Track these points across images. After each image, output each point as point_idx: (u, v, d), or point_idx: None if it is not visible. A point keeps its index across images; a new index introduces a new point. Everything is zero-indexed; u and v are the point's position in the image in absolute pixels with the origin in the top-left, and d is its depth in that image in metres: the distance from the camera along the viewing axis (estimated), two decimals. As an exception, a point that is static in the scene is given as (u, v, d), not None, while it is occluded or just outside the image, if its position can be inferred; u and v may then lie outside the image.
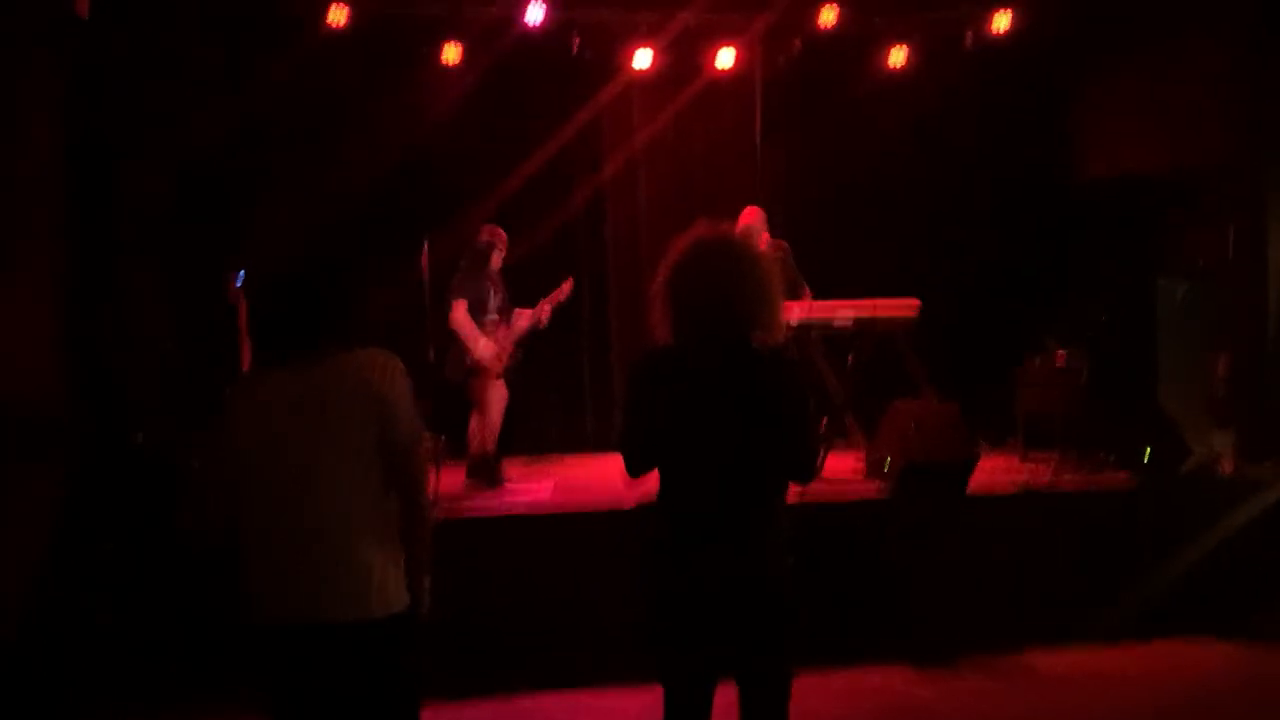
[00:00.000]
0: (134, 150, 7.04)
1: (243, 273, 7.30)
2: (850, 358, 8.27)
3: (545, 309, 8.12)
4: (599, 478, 8.12)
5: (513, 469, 8.22)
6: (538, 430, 9.61)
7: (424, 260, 7.60)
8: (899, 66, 10.15)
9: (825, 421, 8.17)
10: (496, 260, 7.93)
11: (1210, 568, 6.72)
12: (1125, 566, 6.73)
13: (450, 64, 9.47)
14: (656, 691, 3.34)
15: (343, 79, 9.15)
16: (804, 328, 7.89)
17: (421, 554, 3.27)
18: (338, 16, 8.83)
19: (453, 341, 7.74)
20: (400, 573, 3.17)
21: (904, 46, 10.05)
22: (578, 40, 9.55)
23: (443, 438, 8.07)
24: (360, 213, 9.08)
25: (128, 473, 6.26)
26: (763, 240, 7.99)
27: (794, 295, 7.89)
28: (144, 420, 6.76)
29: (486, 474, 7.79)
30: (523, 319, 8.04)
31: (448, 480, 7.55)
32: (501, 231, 7.98)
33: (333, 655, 3.06)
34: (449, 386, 7.86)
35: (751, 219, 8.05)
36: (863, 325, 8.03)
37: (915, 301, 8.10)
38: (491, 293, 7.86)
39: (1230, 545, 6.79)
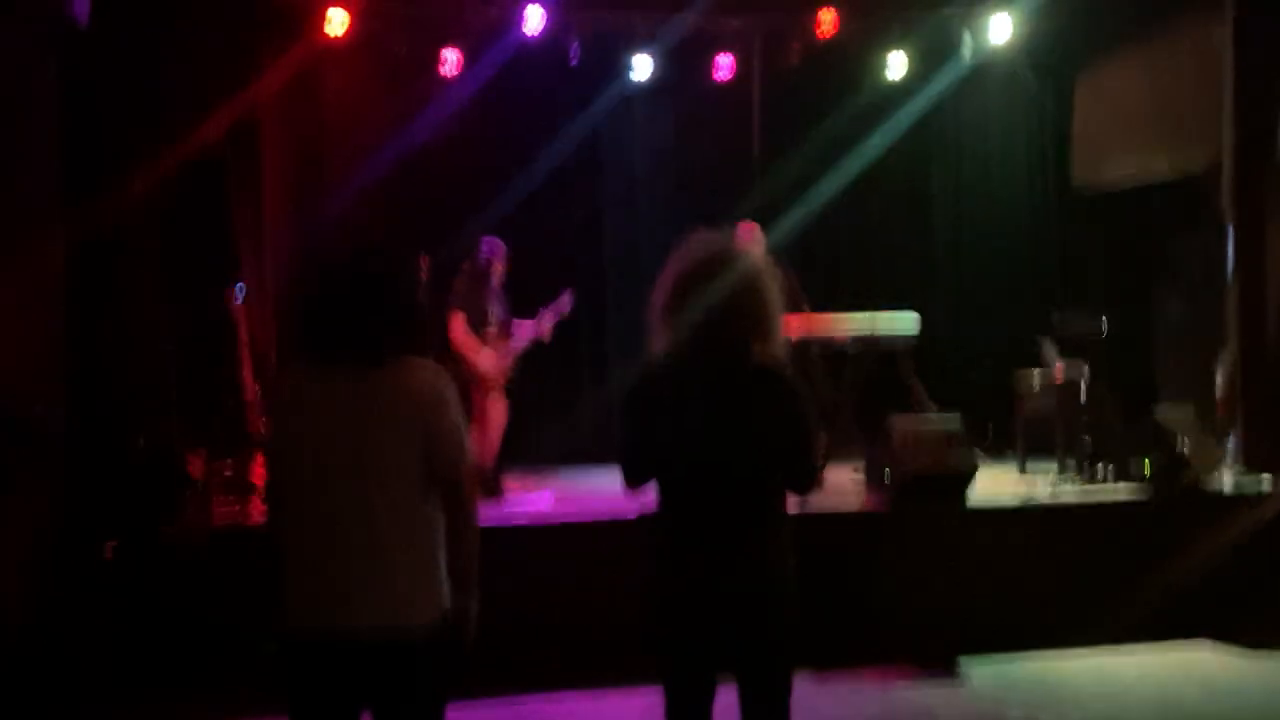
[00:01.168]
0: (134, 150, 7.03)
1: (240, 286, 7.32)
2: (849, 369, 8.26)
3: (546, 321, 8.12)
4: (599, 489, 8.11)
5: (512, 481, 8.20)
6: (537, 442, 9.59)
7: (423, 269, 7.58)
8: (898, 72, 10.17)
9: (824, 433, 8.16)
10: (497, 273, 7.92)
11: (1209, 576, 6.71)
12: (1125, 574, 6.72)
13: (449, 70, 9.48)
14: (657, 694, 3.32)
15: (342, 82, 9.16)
16: (804, 343, 7.89)
17: (469, 573, 3.23)
18: (338, 20, 8.84)
19: (451, 352, 7.72)
20: (438, 587, 3.13)
21: (902, 52, 10.07)
22: (577, 47, 9.56)
23: None
24: (359, 217, 9.10)
25: (127, 474, 6.26)
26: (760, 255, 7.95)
27: (793, 309, 7.88)
28: (144, 421, 6.75)
29: (486, 486, 7.76)
30: (523, 330, 8.04)
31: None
32: (501, 244, 7.97)
33: (359, 665, 3.03)
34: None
35: (748, 234, 8.03)
36: (862, 344, 8.02)
37: (914, 325, 8.10)
38: (491, 306, 7.85)
39: (1229, 554, 6.79)
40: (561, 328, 8.49)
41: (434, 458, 3.09)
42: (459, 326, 7.67)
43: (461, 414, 3.19)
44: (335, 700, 3.06)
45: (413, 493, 3.08)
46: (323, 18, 8.80)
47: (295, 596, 3.08)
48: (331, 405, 3.06)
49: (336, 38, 8.89)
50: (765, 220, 8.62)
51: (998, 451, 9.06)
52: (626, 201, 10.25)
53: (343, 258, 3.19)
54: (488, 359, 7.69)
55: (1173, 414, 7.42)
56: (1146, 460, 7.21)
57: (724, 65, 10.03)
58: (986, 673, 6.31)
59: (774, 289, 3.35)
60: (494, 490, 7.74)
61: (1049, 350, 8.40)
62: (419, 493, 3.09)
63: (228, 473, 6.87)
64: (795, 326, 7.79)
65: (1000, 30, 9.76)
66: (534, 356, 8.30)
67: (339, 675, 3.04)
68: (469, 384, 7.74)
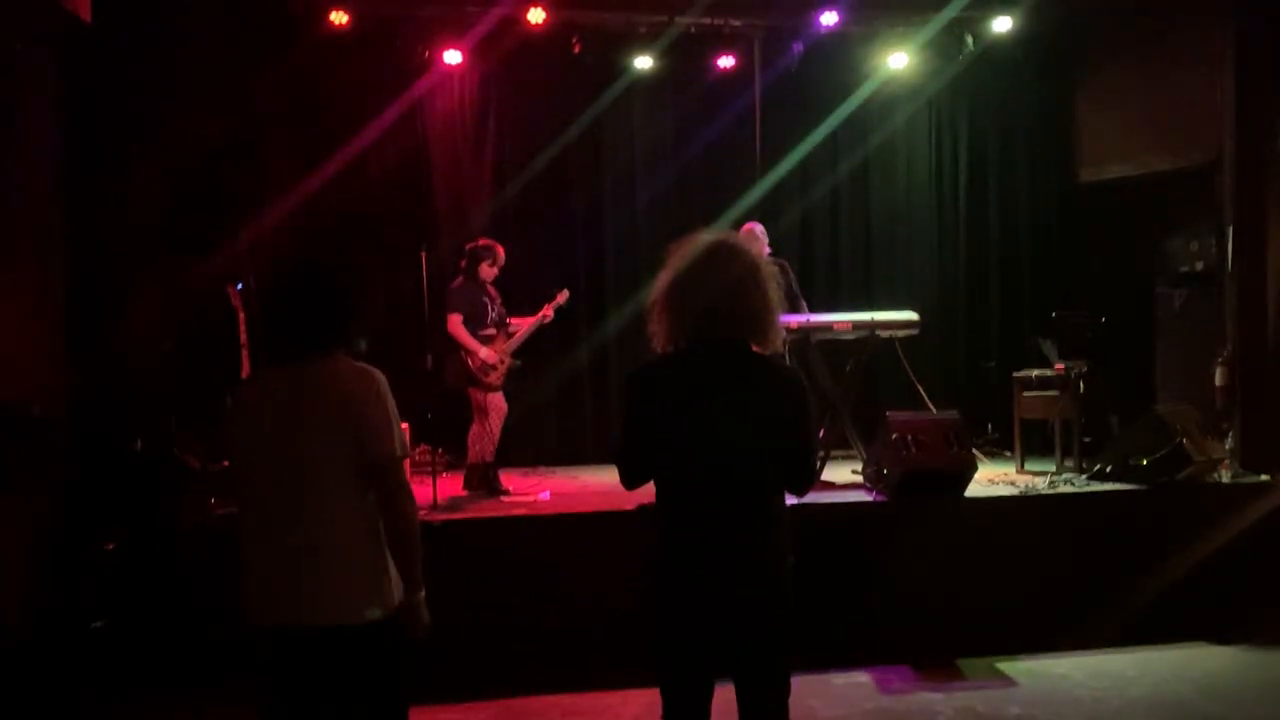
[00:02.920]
0: (134, 151, 7.03)
1: (241, 283, 7.31)
2: (849, 366, 8.26)
3: (547, 311, 8.13)
4: (597, 487, 8.12)
5: (510, 479, 8.20)
6: (535, 440, 9.60)
7: (422, 266, 7.59)
8: (899, 70, 10.16)
9: (823, 430, 8.16)
10: (491, 272, 7.92)
11: (1209, 573, 6.71)
12: (1125, 571, 6.72)
13: (450, 67, 9.48)
14: (655, 693, 3.33)
15: (343, 81, 9.17)
16: (803, 334, 7.89)
17: (412, 568, 3.27)
18: (339, 18, 8.84)
19: (451, 349, 7.73)
20: (381, 582, 3.18)
21: (904, 49, 10.06)
22: (578, 43, 9.55)
23: (440, 450, 8.08)
24: (359, 217, 9.10)
25: (127, 473, 6.26)
26: (763, 254, 7.93)
27: (792, 310, 7.89)
28: (143, 421, 6.75)
29: (485, 483, 7.77)
30: (521, 326, 8.04)
31: (446, 489, 7.56)
32: (497, 245, 7.97)
33: (312, 658, 3.08)
34: (447, 396, 7.86)
35: (753, 233, 8.04)
36: (862, 333, 8.03)
37: (914, 315, 8.11)
38: (488, 305, 7.86)
39: (1229, 550, 6.78)
40: (560, 325, 8.50)
41: (364, 451, 3.14)
42: (455, 325, 7.68)
43: (393, 408, 3.23)
44: (295, 693, 3.13)
45: (347, 488, 3.13)
46: (324, 13, 8.80)
47: (248, 593, 3.16)
48: (268, 406, 3.16)
49: (339, 29, 8.88)
50: (765, 218, 8.63)
51: (996, 448, 9.08)
52: (627, 198, 10.23)
53: (282, 264, 3.30)
54: (489, 353, 7.70)
55: (1172, 410, 7.41)
56: (1145, 457, 7.20)
57: (725, 62, 10.02)
58: (984, 671, 6.32)
59: (772, 284, 3.36)
60: (492, 488, 7.75)
61: (1048, 347, 8.40)
62: (354, 488, 3.15)
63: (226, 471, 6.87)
64: (796, 320, 7.80)
65: (1002, 27, 9.75)
66: (533, 355, 8.30)
67: (293, 669, 3.11)
68: (469, 380, 7.75)
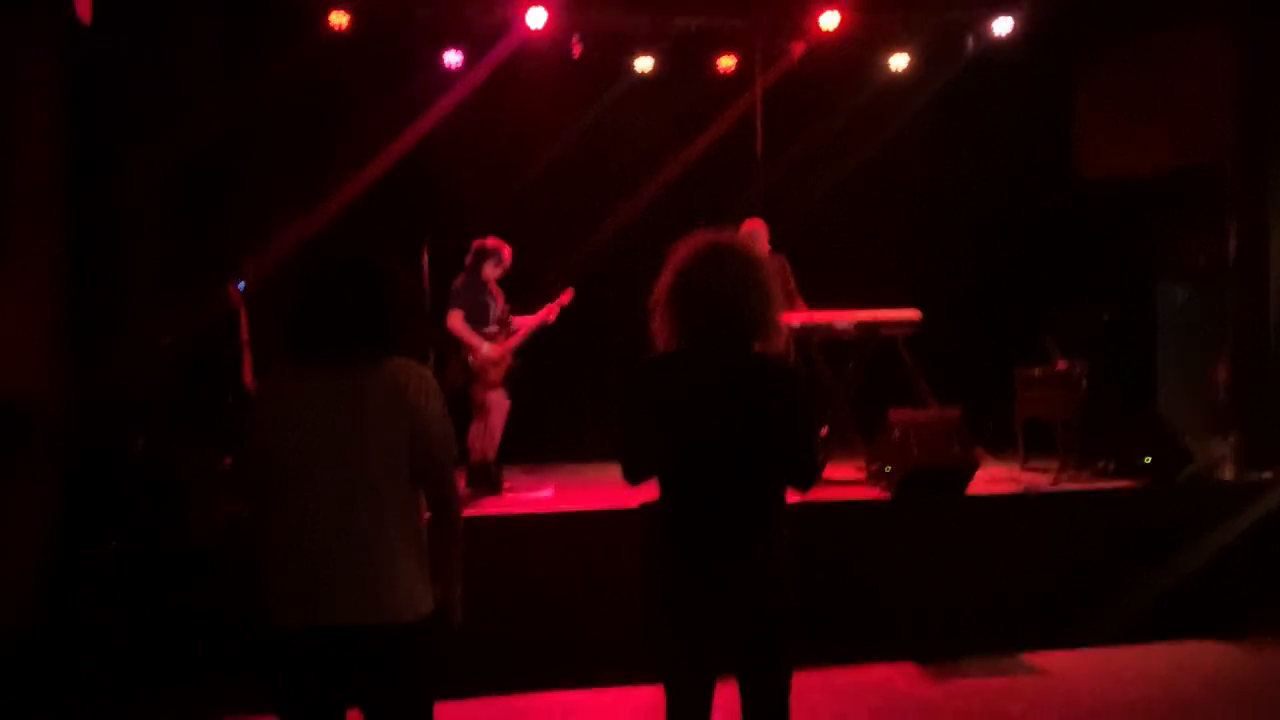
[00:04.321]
0: (134, 151, 7.03)
1: (242, 281, 7.31)
2: (851, 364, 8.25)
3: (552, 310, 8.11)
4: (599, 484, 8.11)
5: (512, 476, 8.20)
6: (537, 437, 9.58)
7: (424, 265, 7.56)
8: (900, 69, 10.15)
9: (826, 428, 8.16)
10: (496, 272, 7.91)
11: (1211, 571, 6.70)
12: (1127, 569, 6.71)
13: (451, 68, 9.47)
14: (657, 691, 3.33)
15: (344, 81, 9.16)
16: (805, 333, 7.88)
17: (454, 566, 3.26)
18: (339, 19, 8.83)
19: (453, 347, 7.72)
20: (424, 581, 3.15)
21: (904, 49, 10.05)
22: (579, 44, 9.54)
23: None
24: (359, 214, 9.09)
25: (127, 473, 6.26)
26: (764, 251, 7.94)
27: (788, 308, 7.88)
28: (144, 420, 6.75)
29: (487, 481, 7.76)
30: (524, 324, 8.03)
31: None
32: (502, 242, 7.95)
33: (347, 659, 3.03)
34: (450, 393, 7.83)
35: (754, 230, 8.03)
36: (864, 331, 8.01)
37: (916, 313, 8.09)
38: (490, 304, 7.84)
39: (1230, 549, 6.77)
40: (562, 322, 8.49)
41: (421, 454, 3.10)
42: (456, 322, 7.65)
43: (447, 411, 3.20)
44: (322, 695, 3.07)
45: (399, 489, 3.09)
46: (325, 12, 8.79)
47: (282, 592, 3.08)
48: (318, 404, 3.07)
49: (339, 29, 8.88)
50: (766, 217, 8.61)
51: (998, 446, 9.04)
52: (628, 195, 10.22)
53: (329, 258, 3.18)
54: (491, 349, 7.68)
55: (1175, 409, 7.40)
56: (1147, 455, 7.18)
57: (725, 61, 10.01)
58: (988, 669, 6.30)
59: (774, 284, 3.36)
60: (494, 486, 7.74)
61: (1051, 344, 8.38)
62: (405, 489, 3.10)
63: (227, 471, 6.86)
64: (798, 318, 7.79)
65: (1003, 24, 9.73)
66: (535, 352, 8.29)
67: (326, 670, 3.04)
68: (470, 380, 7.74)
